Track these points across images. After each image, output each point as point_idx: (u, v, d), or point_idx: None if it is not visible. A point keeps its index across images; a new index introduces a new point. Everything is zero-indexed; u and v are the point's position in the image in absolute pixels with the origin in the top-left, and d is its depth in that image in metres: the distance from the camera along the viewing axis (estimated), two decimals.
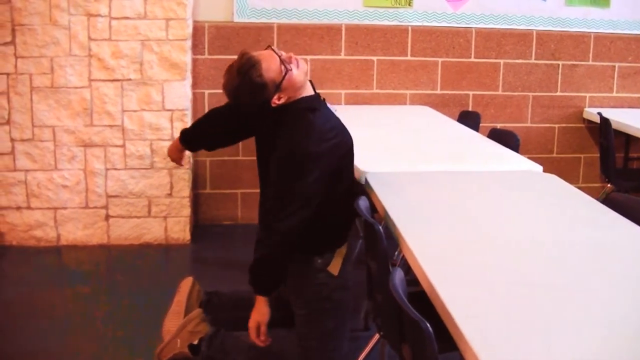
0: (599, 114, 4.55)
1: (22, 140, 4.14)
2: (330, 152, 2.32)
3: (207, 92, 4.54)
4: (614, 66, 4.91)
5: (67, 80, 4.10)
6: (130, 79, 4.16)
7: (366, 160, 2.94)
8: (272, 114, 2.37)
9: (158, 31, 4.13)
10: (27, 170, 4.18)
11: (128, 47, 4.12)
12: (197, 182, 4.65)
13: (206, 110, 3.81)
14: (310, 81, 2.43)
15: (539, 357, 1.50)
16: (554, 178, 3.02)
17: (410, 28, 4.69)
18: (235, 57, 2.35)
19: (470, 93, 4.84)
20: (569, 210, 2.63)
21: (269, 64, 2.28)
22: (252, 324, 2.40)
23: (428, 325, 1.62)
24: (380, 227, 2.23)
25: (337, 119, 2.45)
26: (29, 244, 4.24)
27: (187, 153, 4.20)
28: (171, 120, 4.20)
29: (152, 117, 4.21)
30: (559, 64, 4.87)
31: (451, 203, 2.64)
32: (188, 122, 4.16)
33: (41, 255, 4.16)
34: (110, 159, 4.23)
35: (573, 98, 4.95)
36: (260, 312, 2.38)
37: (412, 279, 2.07)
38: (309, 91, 2.40)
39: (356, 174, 2.84)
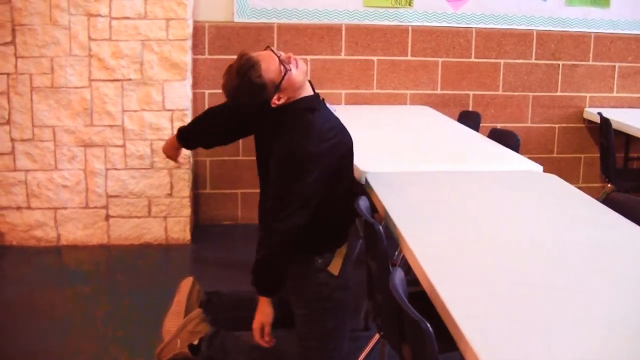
0: (599, 114, 4.55)
1: (22, 140, 4.14)
2: (329, 152, 2.32)
3: (207, 92, 4.54)
4: (614, 66, 4.91)
5: (67, 80, 4.10)
6: (130, 79, 4.16)
7: (366, 160, 2.94)
8: (272, 114, 2.37)
9: (158, 31, 4.13)
10: (27, 170, 4.18)
11: (128, 47, 4.12)
12: (197, 182, 4.65)
13: None
14: (309, 81, 2.43)
15: (539, 357, 1.50)
16: (554, 178, 3.02)
17: (410, 28, 4.69)
18: (236, 57, 2.35)
19: (471, 93, 4.84)
20: (569, 210, 2.63)
21: (268, 65, 2.29)
22: (256, 325, 2.40)
23: (428, 325, 1.62)
24: (381, 227, 2.23)
25: (337, 119, 2.45)
26: (29, 244, 4.24)
27: (187, 152, 4.25)
28: (171, 120, 4.20)
29: (152, 117, 4.21)
30: (559, 64, 4.87)
31: (451, 203, 2.64)
32: (188, 122, 4.16)
33: (41, 255, 4.16)
34: (110, 159, 4.23)
35: (573, 98, 4.95)
36: (264, 313, 2.38)
37: (412, 279, 2.07)
38: (308, 91, 2.40)
39: (356, 174, 2.84)
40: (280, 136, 2.34)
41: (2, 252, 4.16)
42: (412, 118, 4.41)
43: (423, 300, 1.88)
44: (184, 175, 4.31)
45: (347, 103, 4.70)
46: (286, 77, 2.29)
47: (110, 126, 4.19)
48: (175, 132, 3.01)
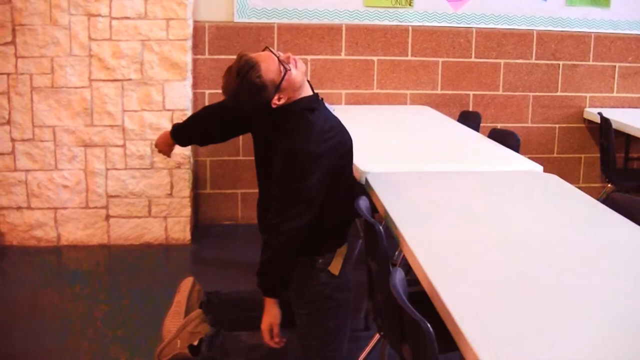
0: (600, 114, 4.55)
1: (23, 140, 4.14)
2: (330, 152, 2.32)
3: (207, 92, 4.54)
4: (615, 66, 4.91)
5: (68, 80, 4.10)
6: (130, 79, 4.16)
7: (366, 160, 2.94)
8: (271, 114, 2.37)
9: (158, 31, 4.13)
10: (27, 170, 4.18)
11: (128, 47, 4.12)
12: (197, 182, 4.65)
13: None
14: (308, 81, 2.43)
15: (539, 357, 1.50)
16: (554, 178, 3.02)
17: (410, 28, 4.69)
18: (236, 57, 2.34)
19: (471, 93, 4.84)
20: (569, 210, 2.63)
21: (268, 65, 2.28)
22: (264, 326, 2.40)
23: (428, 325, 1.62)
24: (381, 227, 2.23)
25: (336, 119, 2.45)
26: (29, 244, 4.24)
27: (187, 152, 4.25)
28: (172, 121, 4.20)
29: (152, 117, 4.21)
30: (559, 64, 4.87)
31: (451, 203, 2.64)
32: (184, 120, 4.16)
33: (41, 255, 4.16)
34: (110, 159, 4.23)
35: (573, 98, 4.95)
36: (271, 314, 2.39)
37: (413, 279, 2.07)
38: (307, 91, 2.40)
39: (356, 174, 2.84)
40: (281, 137, 2.34)
41: (2, 252, 4.16)
42: (412, 118, 4.41)
43: (423, 300, 1.88)
44: (184, 175, 4.31)
45: (347, 103, 4.70)
46: (286, 77, 2.29)
47: (111, 126, 4.19)
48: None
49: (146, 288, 3.71)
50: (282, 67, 2.29)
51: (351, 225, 2.58)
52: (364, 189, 2.80)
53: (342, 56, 4.66)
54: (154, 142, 4.19)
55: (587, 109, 4.94)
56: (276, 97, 2.31)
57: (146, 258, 4.19)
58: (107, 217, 4.29)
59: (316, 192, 2.30)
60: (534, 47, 4.81)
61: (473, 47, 4.76)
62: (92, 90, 4.14)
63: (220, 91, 2.39)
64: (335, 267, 2.45)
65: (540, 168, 3.12)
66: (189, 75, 4.31)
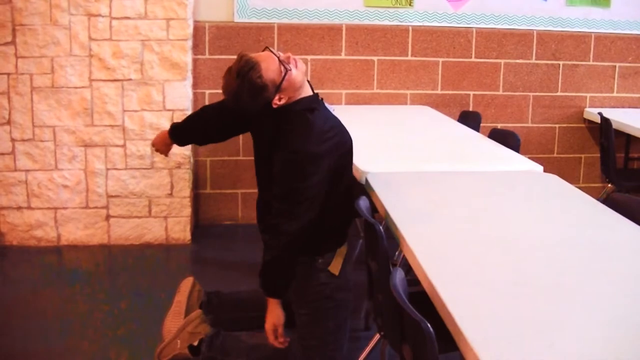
0: (600, 114, 4.55)
1: (23, 140, 4.14)
2: (330, 151, 2.32)
3: (207, 92, 4.54)
4: (615, 66, 4.91)
5: (68, 80, 4.10)
6: (130, 79, 4.16)
7: (366, 160, 2.94)
8: (271, 115, 2.37)
9: (159, 31, 4.13)
10: (27, 170, 4.18)
11: (129, 47, 4.12)
12: (197, 182, 4.65)
13: None
14: (309, 81, 2.44)
15: (539, 357, 1.50)
16: (554, 178, 3.02)
17: (410, 28, 4.69)
18: (236, 57, 2.34)
19: (471, 93, 4.84)
20: (569, 210, 2.63)
21: (268, 65, 2.28)
22: (268, 327, 2.40)
23: (428, 325, 1.62)
24: (381, 227, 2.23)
25: (336, 119, 2.45)
26: (29, 244, 4.24)
27: (187, 152, 4.25)
28: (172, 121, 4.19)
29: (152, 117, 4.21)
30: (559, 64, 4.87)
31: (451, 203, 2.64)
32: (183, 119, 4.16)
33: (41, 255, 4.16)
34: (110, 159, 4.23)
35: (574, 98, 4.95)
36: (275, 314, 2.39)
37: (413, 279, 2.07)
38: (307, 91, 2.40)
39: (356, 174, 2.84)
40: (281, 138, 2.34)
41: (2, 252, 4.16)
42: (412, 118, 4.41)
43: (423, 300, 1.88)
44: (184, 175, 4.31)
45: (347, 103, 4.70)
46: (286, 76, 2.29)
47: (111, 126, 4.19)
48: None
49: (146, 288, 3.71)
50: (282, 67, 2.30)
51: (351, 225, 2.58)
52: (364, 189, 2.80)
53: (342, 56, 4.66)
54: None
55: (587, 109, 4.94)
56: (276, 97, 2.31)
57: (146, 258, 4.19)
58: (108, 217, 4.29)
59: (316, 192, 2.30)
60: (534, 47, 4.81)
61: (473, 47, 4.76)
62: (92, 90, 4.14)
63: (220, 91, 2.39)
64: (335, 267, 2.45)
65: (540, 168, 3.12)
66: (189, 75, 4.31)
